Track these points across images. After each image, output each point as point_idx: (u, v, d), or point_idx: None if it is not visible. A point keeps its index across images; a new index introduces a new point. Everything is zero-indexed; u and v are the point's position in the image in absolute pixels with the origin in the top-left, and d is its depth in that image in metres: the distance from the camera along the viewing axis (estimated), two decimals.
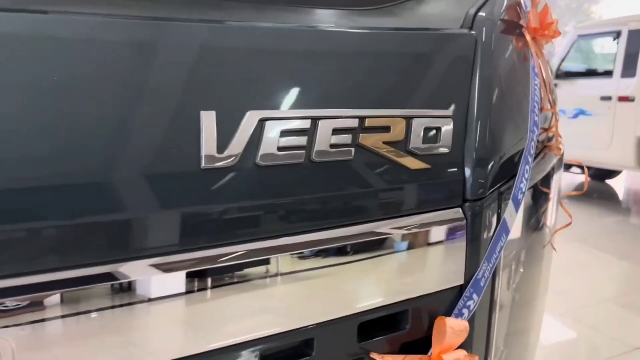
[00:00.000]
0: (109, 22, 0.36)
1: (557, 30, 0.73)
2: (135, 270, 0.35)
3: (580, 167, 7.37)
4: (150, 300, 0.36)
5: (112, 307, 0.35)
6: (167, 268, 0.36)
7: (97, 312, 0.34)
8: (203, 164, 0.38)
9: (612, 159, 6.43)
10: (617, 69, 6.27)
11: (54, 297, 0.33)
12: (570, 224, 0.74)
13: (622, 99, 6.10)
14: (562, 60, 6.84)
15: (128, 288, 0.35)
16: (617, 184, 8.18)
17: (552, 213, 0.73)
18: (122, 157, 0.35)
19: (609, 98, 6.26)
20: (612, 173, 7.91)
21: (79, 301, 0.34)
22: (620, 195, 8.04)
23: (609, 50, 6.57)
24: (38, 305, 0.33)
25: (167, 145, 0.37)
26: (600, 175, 8.07)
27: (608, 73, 6.46)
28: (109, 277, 0.35)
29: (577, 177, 8.12)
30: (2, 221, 0.32)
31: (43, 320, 0.33)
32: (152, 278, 0.36)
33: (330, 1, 0.66)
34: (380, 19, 0.64)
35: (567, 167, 7.16)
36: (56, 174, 0.34)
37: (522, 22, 0.68)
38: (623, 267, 4.66)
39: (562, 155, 0.77)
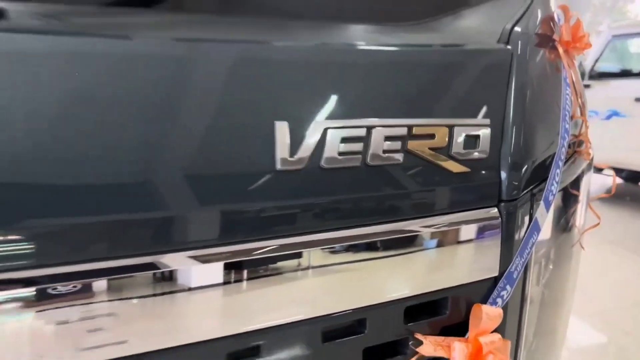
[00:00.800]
0: (203, 46, 0.44)
1: (588, 42, 0.78)
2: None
3: (613, 169, 7.22)
4: (266, 274, 0.43)
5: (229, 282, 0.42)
6: (269, 250, 0.44)
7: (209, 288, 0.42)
8: (278, 166, 0.45)
9: None
10: None
11: (144, 278, 0.40)
12: (598, 224, 0.79)
13: None
14: (596, 61, 6.71)
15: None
16: None
17: (582, 214, 0.78)
18: (215, 159, 0.43)
19: None
20: None
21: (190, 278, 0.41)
22: None
23: None
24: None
25: (249, 151, 0.44)
26: (634, 177, 7.86)
27: None
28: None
29: (609, 180, 7.96)
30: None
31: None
32: (270, 257, 0.44)
33: (375, 17, 0.72)
34: (423, 34, 0.70)
35: (599, 170, 7.01)
36: (164, 173, 0.41)
37: (554, 35, 0.73)
38: None
39: (592, 159, 0.81)
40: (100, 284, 0.39)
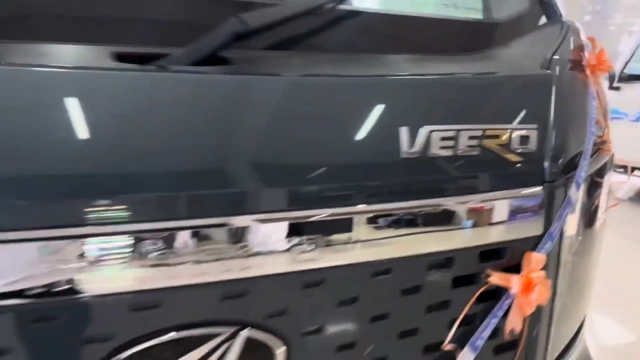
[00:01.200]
0: (345, 81, 0.70)
1: (610, 65, 1.02)
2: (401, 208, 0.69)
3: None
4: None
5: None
6: (404, 208, 0.70)
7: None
8: (402, 155, 0.70)
9: None
10: None
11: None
12: (617, 204, 1.02)
13: None
14: (626, 63, 6.74)
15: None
16: None
17: (604, 196, 1.02)
18: (365, 153, 0.69)
19: None
20: None
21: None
22: None
23: None
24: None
25: (384, 146, 0.70)
26: None
27: None
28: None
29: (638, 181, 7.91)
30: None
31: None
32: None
33: (442, 48, 0.98)
34: (483, 63, 0.96)
35: (631, 169, 7.06)
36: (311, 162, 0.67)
37: (584, 60, 0.97)
38: None
39: (612, 155, 1.05)
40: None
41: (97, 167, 0.56)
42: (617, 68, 6.91)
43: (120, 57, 0.67)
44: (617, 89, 6.75)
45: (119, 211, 0.56)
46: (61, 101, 0.56)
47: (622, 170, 7.28)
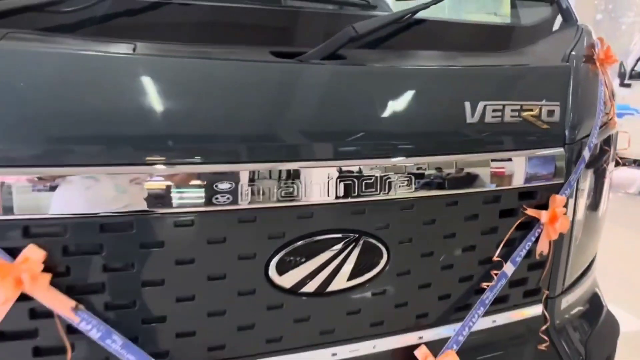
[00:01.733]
0: (428, 71, 1.01)
1: (615, 59, 1.31)
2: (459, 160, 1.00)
3: None
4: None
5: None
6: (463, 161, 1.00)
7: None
8: (467, 122, 1.01)
9: None
10: None
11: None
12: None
13: None
14: (637, 60, 6.94)
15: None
16: None
17: (611, 160, 1.32)
18: (437, 119, 0.99)
19: None
20: None
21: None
22: None
23: None
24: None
25: (454, 117, 1.00)
26: None
27: None
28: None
29: None
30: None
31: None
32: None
33: (489, 47, 1.28)
34: (519, 57, 1.26)
35: None
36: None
37: (595, 55, 1.27)
38: None
39: (617, 129, 1.35)
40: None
41: (268, 128, 0.88)
42: (628, 66, 7.10)
43: (275, 54, 0.98)
44: (629, 86, 6.96)
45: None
46: (241, 84, 0.88)
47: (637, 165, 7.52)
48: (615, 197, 6.95)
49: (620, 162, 5.55)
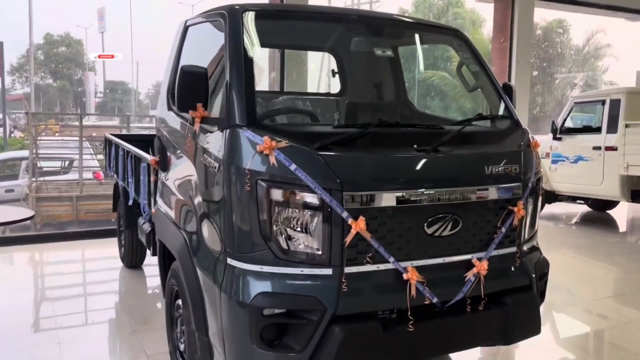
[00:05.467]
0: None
1: (539, 144, 3.07)
2: None
3: (582, 198, 9.54)
4: None
5: None
6: None
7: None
8: (486, 173, 2.69)
9: (604, 192, 8.49)
10: (604, 127, 8.39)
11: None
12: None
13: (608, 148, 8.20)
14: (564, 120, 9.02)
15: None
16: (616, 214, 10.13)
17: (541, 187, 3.06)
18: None
19: (599, 148, 8.35)
20: (611, 204, 9.97)
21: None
22: (618, 222, 9.95)
23: (598, 113, 8.75)
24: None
25: (479, 170, 2.69)
26: (601, 206, 10.08)
27: (598, 129, 8.58)
28: None
29: (581, 207, 10.21)
30: None
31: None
32: None
33: (488, 142, 3.03)
34: (502, 145, 3.00)
35: (573, 199, 9.32)
36: None
37: (531, 143, 3.01)
38: (618, 271, 6.47)
39: (542, 176, 3.11)
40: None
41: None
42: (558, 123, 9.18)
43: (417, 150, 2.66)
44: (560, 139, 9.04)
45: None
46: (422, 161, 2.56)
47: (581, 201, 9.54)
48: (556, 227, 8.93)
49: (558, 197, 8.24)
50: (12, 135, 29.62)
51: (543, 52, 31.08)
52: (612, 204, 9.58)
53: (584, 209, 9.92)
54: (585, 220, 9.47)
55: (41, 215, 10.51)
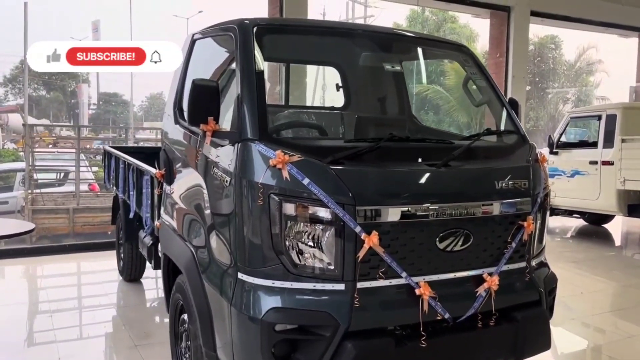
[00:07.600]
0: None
1: (546, 158, 3.09)
2: None
3: (578, 212, 9.59)
4: None
5: None
6: None
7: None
8: (496, 187, 2.70)
9: (600, 206, 8.56)
10: (600, 141, 8.47)
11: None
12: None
13: (604, 163, 8.27)
14: (560, 135, 9.09)
15: None
16: (611, 228, 10.18)
17: (549, 202, 3.07)
18: None
19: (595, 162, 8.43)
20: (607, 218, 10.02)
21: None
22: (614, 236, 10.01)
23: (594, 128, 8.84)
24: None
25: (491, 186, 2.70)
26: (597, 220, 10.13)
27: (594, 144, 8.66)
28: None
29: (577, 221, 10.26)
30: None
31: None
32: None
33: (498, 156, 3.04)
34: (510, 160, 3.02)
35: (570, 213, 9.38)
36: None
37: (539, 157, 3.03)
38: (617, 286, 6.48)
39: (550, 188, 3.12)
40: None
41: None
42: (555, 138, 9.25)
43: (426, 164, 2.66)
44: (556, 153, 9.10)
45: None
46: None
47: (577, 215, 9.58)
48: (553, 241, 8.96)
49: (555, 211, 8.29)
50: (5, 147, 29.44)
51: (536, 67, 31.45)
52: (608, 217, 9.64)
53: (579, 222, 9.97)
54: (581, 234, 9.52)
55: (37, 227, 10.40)
